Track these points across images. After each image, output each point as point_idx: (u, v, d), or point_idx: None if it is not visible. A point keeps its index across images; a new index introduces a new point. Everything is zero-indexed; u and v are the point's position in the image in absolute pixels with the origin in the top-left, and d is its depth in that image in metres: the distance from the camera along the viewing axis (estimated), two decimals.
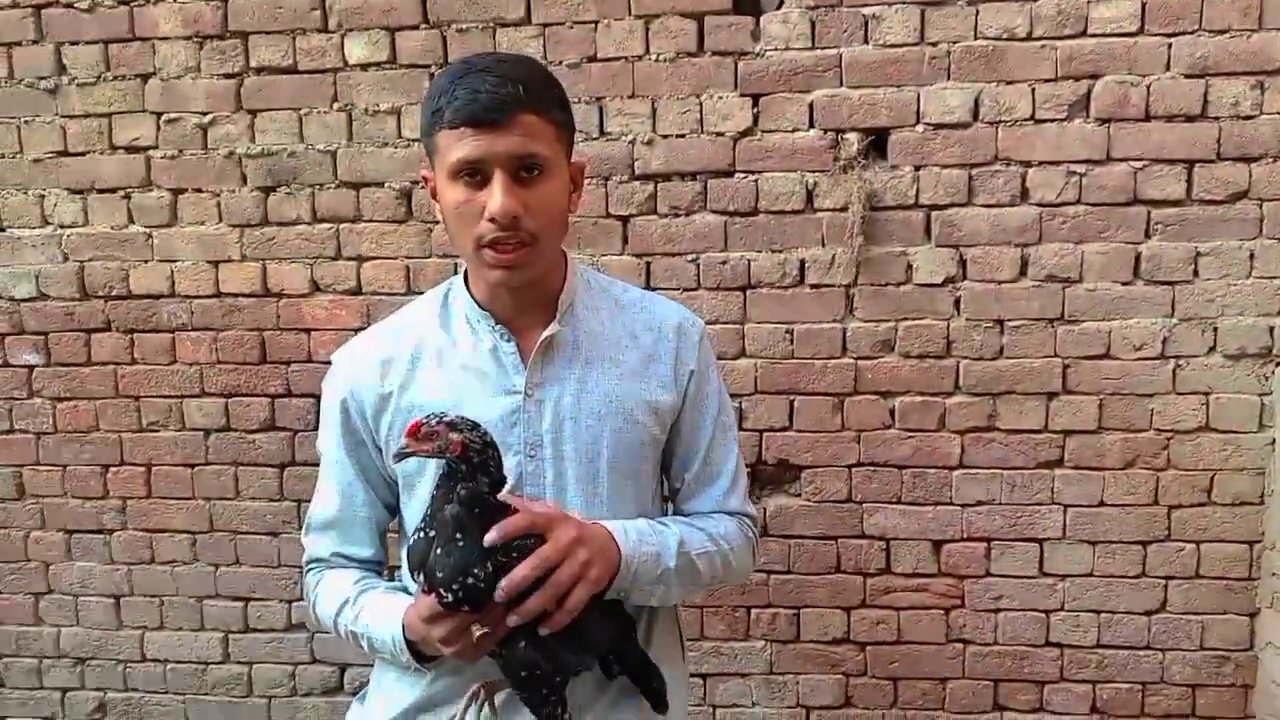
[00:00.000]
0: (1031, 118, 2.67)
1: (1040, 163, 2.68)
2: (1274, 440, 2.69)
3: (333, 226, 2.90)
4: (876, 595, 2.89)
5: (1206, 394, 2.71)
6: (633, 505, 1.53)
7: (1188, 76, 2.60)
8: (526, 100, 1.35)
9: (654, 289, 2.74)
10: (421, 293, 1.61)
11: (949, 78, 2.68)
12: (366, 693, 1.64)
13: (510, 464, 1.37)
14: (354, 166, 2.86)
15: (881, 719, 2.93)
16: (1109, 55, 2.62)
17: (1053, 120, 2.66)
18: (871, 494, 2.85)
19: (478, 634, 1.28)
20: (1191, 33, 2.59)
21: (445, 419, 1.26)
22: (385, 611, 1.45)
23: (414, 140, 2.82)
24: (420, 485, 1.48)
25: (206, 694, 3.14)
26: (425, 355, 1.50)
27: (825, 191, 2.74)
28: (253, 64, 2.85)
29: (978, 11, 2.65)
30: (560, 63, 2.73)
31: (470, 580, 1.24)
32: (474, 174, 1.36)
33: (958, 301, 2.76)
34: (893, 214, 2.74)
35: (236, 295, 2.95)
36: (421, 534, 1.29)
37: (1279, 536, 2.65)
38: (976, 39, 2.65)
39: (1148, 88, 2.62)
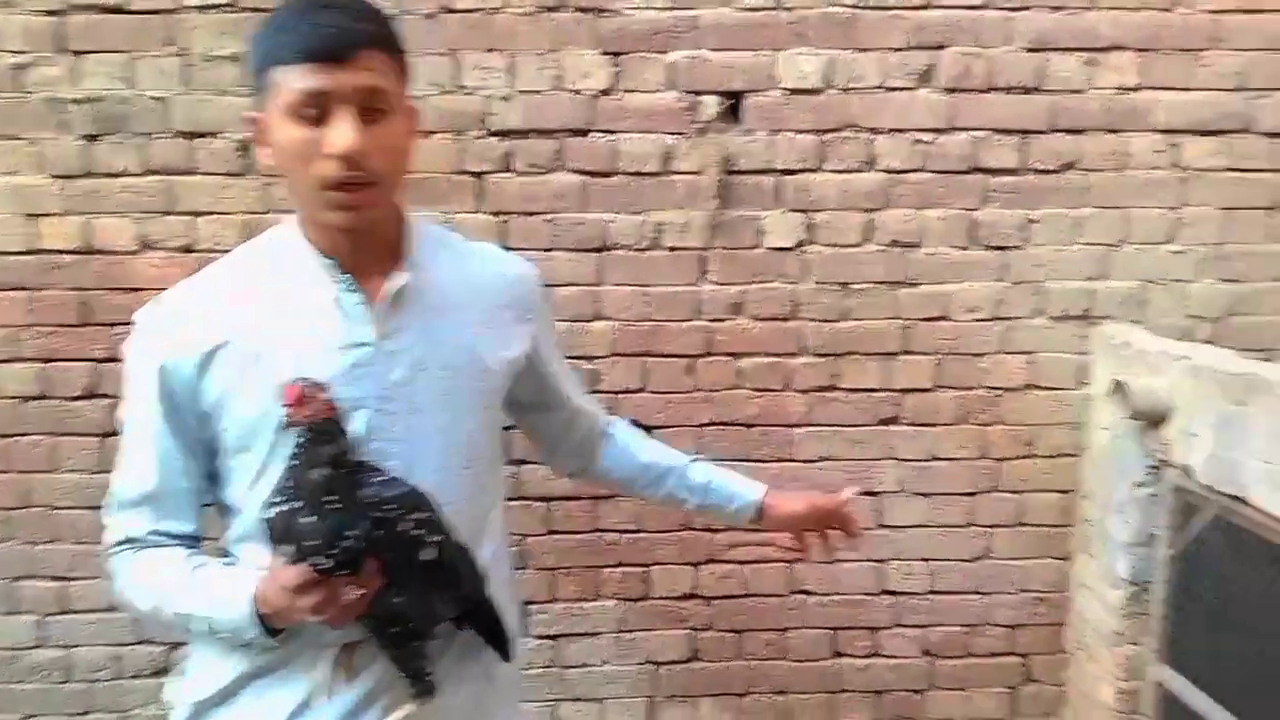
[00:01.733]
0: (881, 86, 2.74)
1: (888, 130, 2.76)
2: (1090, 396, 2.88)
3: (164, 179, 2.69)
4: (723, 550, 2.95)
5: (1032, 353, 2.88)
6: (485, 451, 1.54)
7: (1028, 50, 2.72)
8: (373, 36, 1.32)
9: (510, 249, 2.65)
10: None
11: (804, 43, 2.71)
12: (185, 668, 1.56)
13: (359, 418, 1.34)
14: (189, 115, 2.67)
15: (726, 670, 3.00)
16: (955, 27, 2.71)
17: (901, 89, 2.74)
18: (720, 452, 2.87)
19: (354, 596, 1.25)
20: (1031, 8, 2.71)
21: (312, 381, 1.23)
22: (229, 588, 1.37)
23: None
24: (254, 449, 1.39)
25: (19, 682, 2.92)
26: (255, 308, 1.40)
27: (683, 154, 2.74)
28: (77, 1, 2.61)
29: None
30: (416, 12, 2.62)
31: (349, 542, 1.21)
32: (315, 109, 1.29)
33: (806, 265, 2.82)
34: (746, 178, 2.77)
35: (56, 252, 2.71)
36: (282, 505, 1.24)
37: (1093, 487, 2.85)
38: (831, 5, 2.70)
39: (989, 60, 2.73)
